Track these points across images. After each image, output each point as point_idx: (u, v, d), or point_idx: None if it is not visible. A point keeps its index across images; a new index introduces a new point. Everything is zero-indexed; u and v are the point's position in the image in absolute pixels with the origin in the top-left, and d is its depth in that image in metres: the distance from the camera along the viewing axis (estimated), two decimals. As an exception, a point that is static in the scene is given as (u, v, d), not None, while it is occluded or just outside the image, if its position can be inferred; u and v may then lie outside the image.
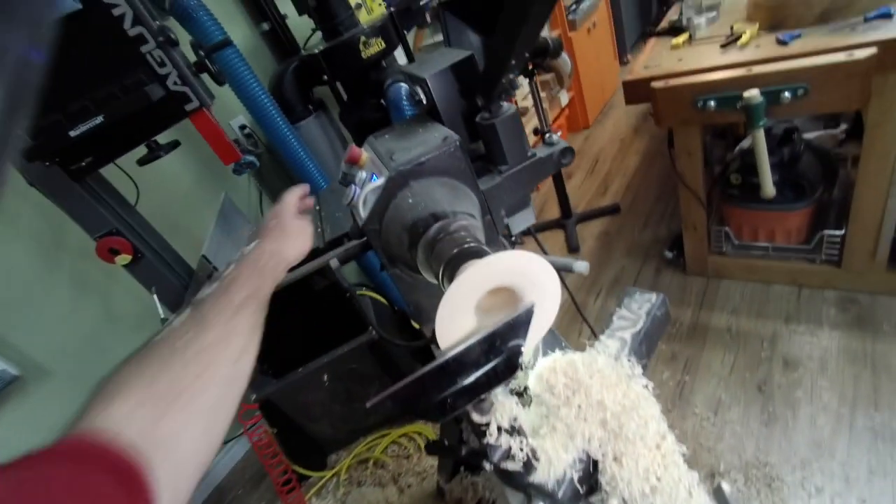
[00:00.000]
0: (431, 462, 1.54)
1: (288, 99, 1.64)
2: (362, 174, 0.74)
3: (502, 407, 0.51)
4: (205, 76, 1.20)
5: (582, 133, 3.22)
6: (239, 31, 1.73)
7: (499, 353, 0.50)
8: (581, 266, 0.74)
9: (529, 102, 2.56)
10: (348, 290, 0.89)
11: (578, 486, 0.52)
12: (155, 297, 1.11)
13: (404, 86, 1.07)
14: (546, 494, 0.51)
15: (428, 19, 2.11)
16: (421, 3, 1.98)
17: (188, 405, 0.39)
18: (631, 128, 3.01)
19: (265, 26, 1.80)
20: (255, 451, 1.50)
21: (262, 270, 0.56)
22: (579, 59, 2.94)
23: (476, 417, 0.51)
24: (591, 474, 0.54)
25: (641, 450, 0.52)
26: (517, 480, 0.53)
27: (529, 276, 0.53)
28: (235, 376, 0.46)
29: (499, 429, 0.50)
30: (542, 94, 2.72)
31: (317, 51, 1.56)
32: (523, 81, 2.57)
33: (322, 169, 1.62)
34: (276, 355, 1.66)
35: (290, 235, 0.65)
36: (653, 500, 0.50)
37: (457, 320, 0.52)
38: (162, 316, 1.08)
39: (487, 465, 0.49)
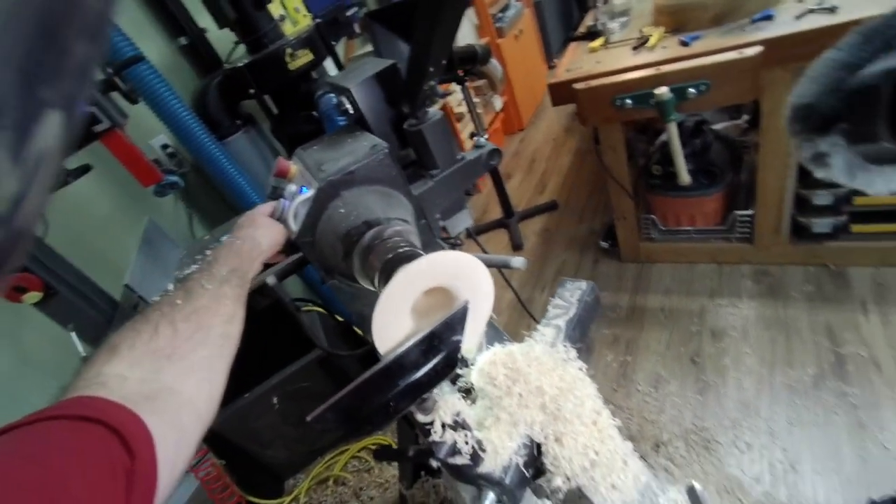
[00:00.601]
0: (393, 472, 1.53)
1: (213, 115, 1.58)
2: (292, 187, 0.73)
3: (445, 403, 0.52)
4: (117, 95, 1.13)
5: (518, 135, 3.33)
6: (153, 46, 1.64)
7: (438, 351, 0.51)
8: (517, 262, 0.77)
9: (465, 108, 2.62)
10: (290, 308, 0.87)
11: (524, 471, 0.54)
12: (73, 334, 1.03)
13: (335, 96, 1.06)
14: (494, 483, 0.53)
15: (357, 30, 2.11)
16: (348, 13, 1.97)
17: (183, 359, 0.42)
18: (563, 128, 3.15)
19: (183, 41, 1.72)
20: (203, 488, 1.41)
21: (239, 252, 0.59)
22: (509, 65, 3.05)
23: (420, 417, 0.52)
24: (535, 458, 0.56)
25: (579, 427, 0.54)
26: (466, 474, 0.54)
27: (462, 275, 0.55)
28: (227, 335, 0.49)
29: (443, 425, 0.51)
30: (477, 100, 2.79)
31: (241, 64, 1.52)
32: (456, 88, 2.63)
33: (255, 185, 1.57)
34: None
35: (262, 226, 0.66)
36: (592, 473, 0.53)
37: (394, 324, 0.52)
38: (82, 354, 1.00)
39: (434, 462, 0.50)
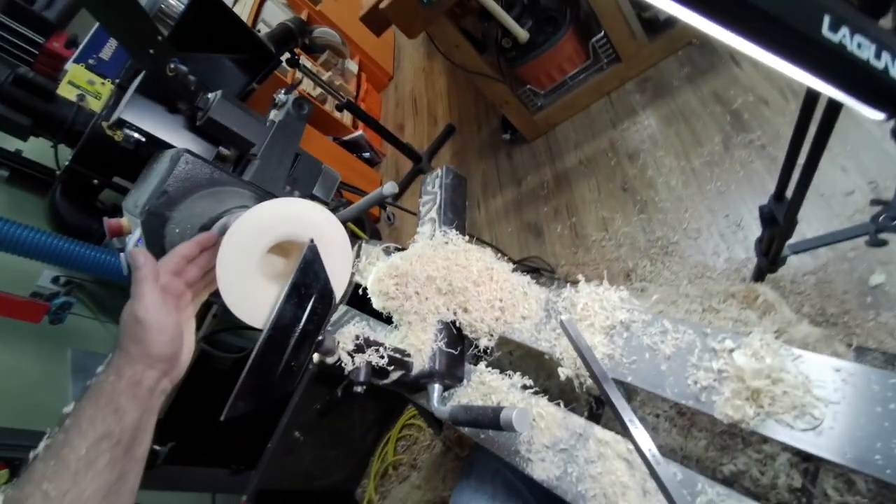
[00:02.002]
0: (430, 432, 1.58)
1: (74, 224, 1.49)
2: (132, 238, 0.71)
3: (343, 337, 0.53)
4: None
5: (390, 86, 3.26)
6: (-25, 193, 1.53)
7: (309, 297, 0.52)
8: (388, 188, 0.77)
9: (319, 89, 2.53)
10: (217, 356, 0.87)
11: (451, 350, 0.56)
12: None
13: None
14: (430, 375, 0.55)
15: (168, 72, 1.98)
16: (148, 59, 1.85)
17: None
18: (423, 55, 3.09)
19: (3, 173, 1.60)
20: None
21: (112, 396, 0.45)
22: (343, 25, 2.92)
23: (329, 360, 0.53)
24: (456, 336, 0.58)
25: (476, 289, 0.57)
26: (407, 382, 0.57)
27: (296, 221, 0.54)
28: None
29: (349, 354, 0.52)
30: (329, 73, 2.70)
31: (67, 163, 1.42)
32: (300, 75, 2.52)
33: (157, 264, 1.51)
34: (234, 450, 1.59)
35: (150, 328, 0.47)
36: (504, 317, 0.56)
37: (256, 295, 0.53)
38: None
39: (359, 388, 0.51)
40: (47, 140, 1.53)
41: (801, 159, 0.61)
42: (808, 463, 0.35)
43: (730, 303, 0.76)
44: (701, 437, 0.60)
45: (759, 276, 0.85)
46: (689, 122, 1.53)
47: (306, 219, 0.54)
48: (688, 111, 1.55)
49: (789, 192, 0.67)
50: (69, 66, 1.66)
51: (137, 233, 0.63)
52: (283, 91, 0.77)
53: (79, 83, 1.53)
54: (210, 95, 0.68)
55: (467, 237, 0.63)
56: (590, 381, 0.46)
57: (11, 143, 1.63)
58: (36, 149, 1.68)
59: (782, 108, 1.35)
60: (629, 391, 0.61)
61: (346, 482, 1.84)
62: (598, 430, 0.44)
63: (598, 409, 0.54)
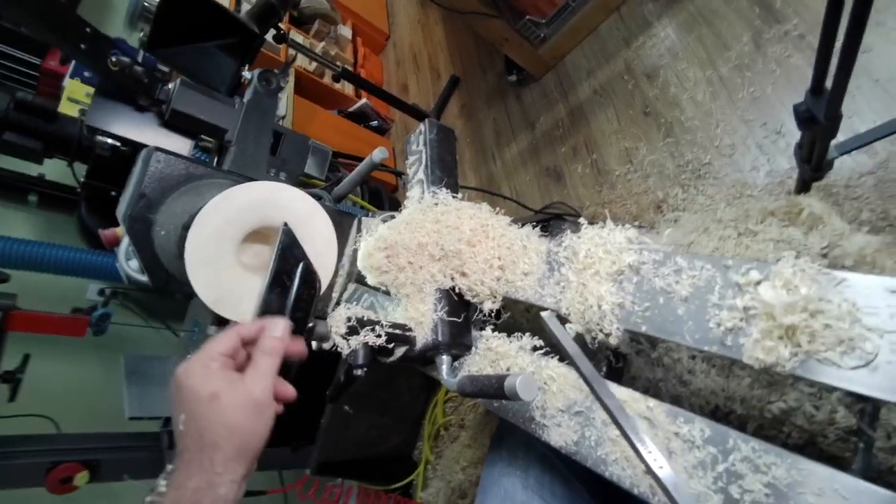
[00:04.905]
0: (474, 390, 1.60)
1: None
2: (124, 244, 0.70)
3: (334, 321, 0.50)
4: (-12, 286, 1.12)
5: (388, 45, 3.11)
6: (11, 221, 1.60)
7: (292, 283, 0.49)
8: (377, 155, 0.73)
9: (315, 63, 2.44)
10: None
11: (454, 319, 0.53)
12: (131, 481, 1.09)
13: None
14: (435, 347, 0.52)
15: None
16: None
17: None
18: (417, 5, 2.91)
19: (33, 198, 1.67)
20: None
21: None
22: (328, -11, 2.79)
23: (325, 346, 0.51)
24: (458, 303, 0.54)
25: (471, 250, 0.52)
26: (416, 356, 0.54)
27: (268, 206, 0.51)
28: None
29: (343, 338, 0.50)
30: (322, 44, 2.61)
31: (82, 180, 1.46)
32: (293, 51, 2.44)
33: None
34: (291, 428, 1.67)
35: (219, 411, 0.41)
36: (506, 276, 0.51)
37: (238, 289, 0.50)
38: (151, 489, 1.06)
39: (360, 371, 0.49)
40: (62, 160, 1.57)
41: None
42: (863, 403, 0.29)
43: (769, 222, 0.68)
44: (744, 374, 0.55)
45: (802, 187, 0.75)
46: (712, 24, 1.35)
47: (277, 201, 0.51)
48: (709, 11, 1.37)
49: (829, 83, 0.57)
50: (66, 82, 1.67)
51: (126, 240, 0.62)
52: (252, 71, 0.72)
53: (78, 98, 1.54)
54: (170, 86, 0.64)
55: (460, 195, 0.58)
56: (602, 336, 0.41)
57: (33, 169, 1.69)
58: (57, 170, 1.73)
59: (822, -13, 1.16)
60: (652, 339, 0.55)
61: (403, 446, 1.91)
62: (615, 388, 0.39)
63: (617, 362, 0.49)
